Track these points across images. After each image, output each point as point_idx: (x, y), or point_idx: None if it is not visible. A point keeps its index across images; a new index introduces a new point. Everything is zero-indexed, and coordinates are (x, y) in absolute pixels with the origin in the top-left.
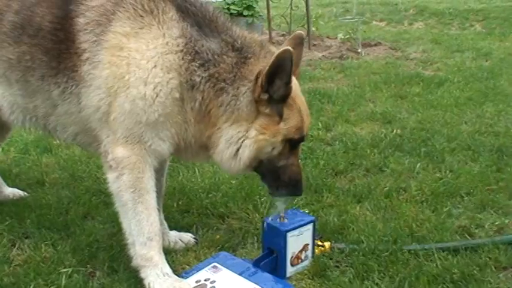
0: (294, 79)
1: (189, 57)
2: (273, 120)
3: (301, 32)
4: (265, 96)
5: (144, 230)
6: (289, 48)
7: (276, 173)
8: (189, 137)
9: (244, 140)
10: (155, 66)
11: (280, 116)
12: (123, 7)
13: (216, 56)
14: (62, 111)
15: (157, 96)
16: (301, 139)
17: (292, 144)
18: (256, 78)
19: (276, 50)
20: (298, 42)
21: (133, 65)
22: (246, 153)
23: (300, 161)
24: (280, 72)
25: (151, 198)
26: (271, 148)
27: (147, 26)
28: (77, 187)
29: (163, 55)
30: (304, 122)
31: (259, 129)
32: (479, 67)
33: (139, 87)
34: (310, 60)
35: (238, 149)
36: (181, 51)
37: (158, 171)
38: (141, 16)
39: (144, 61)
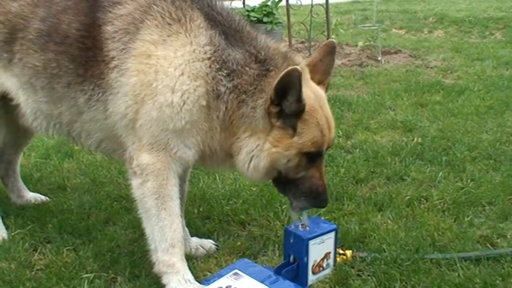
0: (317, 91)
1: (217, 66)
2: (286, 133)
3: (333, 40)
4: (275, 110)
5: (167, 237)
6: (297, 67)
7: (296, 184)
8: (215, 144)
9: (260, 152)
10: (182, 73)
11: (294, 129)
12: (151, 15)
13: (240, 67)
14: (88, 118)
15: (184, 103)
16: (319, 153)
17: (310, 157)
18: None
19: (301, 61)
20: (330, 51)
21: (161, 73)
22: (262, 164)
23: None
24: (290, 89)
25: (174, 205)
26: (286, 160)
27: (174, 34)
28: (98, 192)
29: (190, 62)
30: (324, 136)
31: (272, 142)
32: (499, 76)
33: (166, 95)
34: None
35: (255, 160)
36: (209, 59)
37: (181, 178)
38: (169, 24)
39: (172, 68)
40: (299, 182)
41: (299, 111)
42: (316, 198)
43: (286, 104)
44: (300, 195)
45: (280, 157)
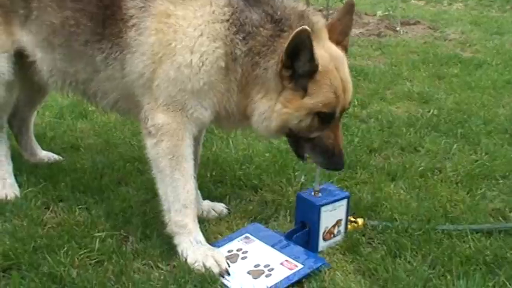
0: (333, 51)
1: (235, 29)
2: (296, 94)
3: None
4: (287, 73)
5: (180, 197)
6: (305, 27)
7: (310, 144)
8: (232, 105)
9: (271, 112)
10: (201, 34)
11: (305, 90)
12: None
13: (254, 28)
14: (104, 77)
15: (203, 64)
16: (332, 115)
17: (322, 118)
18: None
19: (318, 21)
20: (348, 10)
21: (180, 32)
22: (273, 124)
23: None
24: (301, 50)
25: (189, 166)
26: (297, 121)
27: None
28: (111, 153)
29: (209, 23)
30: (338, 98)
31: (283, 102)
32: None
33: (185, 55)
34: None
35: (267, 121)
36: (227, 20)
37: (195, 139)
38: None
39: (191, 29)
40: (314, 141)
41: (311, 71)
42: (331, 160)
43: (298, 65)
44: (317, 151)
45: (291, 118)
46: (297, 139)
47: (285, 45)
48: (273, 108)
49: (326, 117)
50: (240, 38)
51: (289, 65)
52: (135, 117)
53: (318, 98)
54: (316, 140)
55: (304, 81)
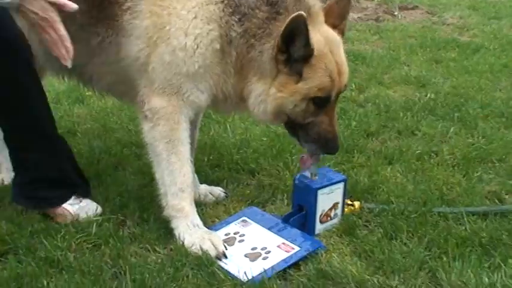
0: (329, 35)
1: (230, 10)
2: (291, 79)
3: None
4: (282, 57)
5: (177, 181)
6: (301, 13)
7: (305, 129)
8: (229, 88)
9: (266, 96)
10: (195, 16)
11: (300, 75)
12: None
13: (250, 10)
14: (99, 61)
15: (197, 47)
16: (327, 99)
17: (317, 103)
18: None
19: (315, 4)
20: None
21: (174, 15)
22: (269, 108)
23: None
24: (297, 35)
25: (185, 150)
26: (292, 105)
27: None
28: (108, 138)
29: (203, 5)
30: (334, 81)
31: (277, 87)
32: None
33: (179, 38)
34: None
35: (263, 104)
36: (222, 2)
37: (192, 123)
38: None
39: (185, 11)
40: (308, 127)
41: (307, 56)
42: (326, 145)
43: (293, 50)
44: (310, 140)
45: (286, 102)
46: (292, 125)
47: (281, 28)
48: (267, 92)
49: (321, 102)
50: (236, 19)
51: (284, 49)
52: (131, 101)
53: (313, 82)
54: (310, 125)
55: (299, 65)
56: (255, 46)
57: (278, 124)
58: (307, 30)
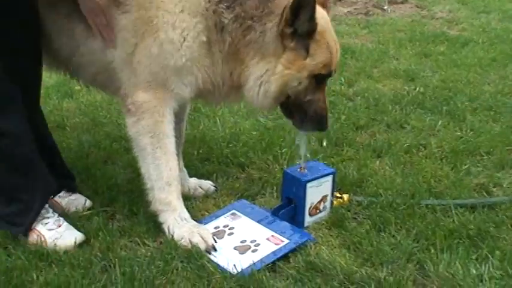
0: (324, 13)
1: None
2: (299, 55)
3: None
4: (289, 30)
5: (163, 175)
6: None
7: (302, 108)
8: (218, 78)
9: (271, 75)
10: (182, 10)
11: (307, 51)
12: None
13: None
14: (85, 51)
15: (184, 40)
16: (329, 75)
17: (318, 79)
18: (283, 12)
19: None
20: None
21: (161, 9)
22: (273, 87)
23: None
24: (304, 7)
25: (170, 143)
26: (297, 83)
27: None
28: (97, 132)
29: None
30: (333, 58)
31: (285, 64)
32: (505, 29)
33: (167, 32)
34: (335, 15)
35: (265, 85)
36: None
37: (178, 116)
38: None
39: (172, 5)
40: (306, 106)
41: (311, 30)
42: (320, 122)
43: (298, 24)
44: (308, 118)
45: (293, 79)
46: (289, 106)
47: (283, 5)
48: (273, 71)
49: (322, 78)
50: (224, 7)
51: (291, 22)
52: (114, 94)
53: (319, 58)
54: (308, 103)
55: (306, 41)
56: (255, 27)
57: (273, 107)
58: (314, 4)
